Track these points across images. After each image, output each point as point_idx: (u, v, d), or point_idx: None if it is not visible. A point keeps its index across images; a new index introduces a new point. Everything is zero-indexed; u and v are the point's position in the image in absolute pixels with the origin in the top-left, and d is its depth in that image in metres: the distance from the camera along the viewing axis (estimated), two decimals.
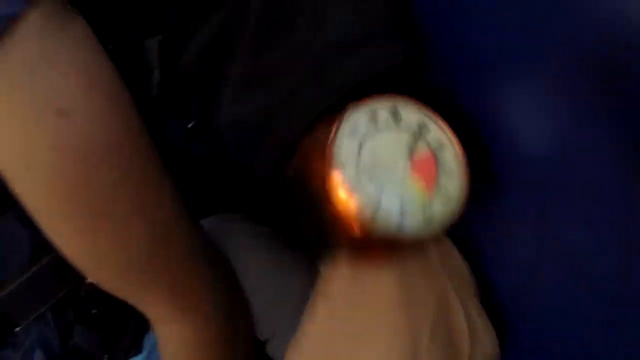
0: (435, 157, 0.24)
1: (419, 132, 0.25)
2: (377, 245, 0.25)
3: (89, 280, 0.42)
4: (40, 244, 0.38)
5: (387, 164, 0.24)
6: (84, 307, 0.42)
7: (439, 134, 0.25)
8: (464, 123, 0.28)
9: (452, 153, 0.25)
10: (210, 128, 0.33)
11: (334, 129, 0.24)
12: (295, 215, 0.30)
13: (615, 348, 0.25)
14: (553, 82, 0.24)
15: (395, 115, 0.24)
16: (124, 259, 0.32)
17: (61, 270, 0.40)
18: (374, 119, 0.24)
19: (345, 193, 0.23)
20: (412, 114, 0.25)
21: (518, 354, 0.31)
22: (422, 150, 0.24)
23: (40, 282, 0.39)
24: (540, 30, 0.24)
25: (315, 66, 0.26)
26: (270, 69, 0.28)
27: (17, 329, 0.40)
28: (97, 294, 0.41)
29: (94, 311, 0.42)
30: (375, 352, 0.24)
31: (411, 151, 0.24)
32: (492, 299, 0.31)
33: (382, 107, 0.24)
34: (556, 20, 0.23)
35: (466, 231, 0.30)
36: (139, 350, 0.45)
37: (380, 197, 0.23)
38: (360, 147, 0.24)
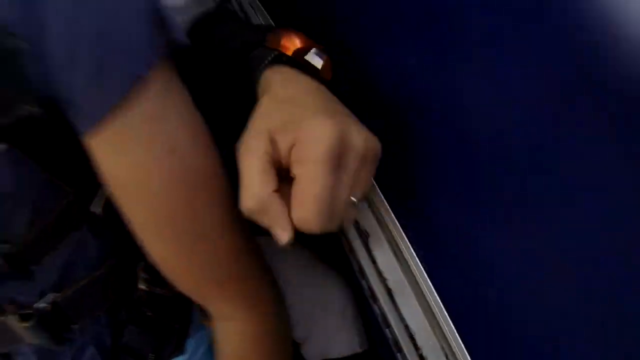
0: None
1: None
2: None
3: (141, 286, 0.45)
4: (105, 253, 0.43)
5: None
6: (136, 309, 0.45)
7: None
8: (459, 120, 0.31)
9: None
10: None
11: None
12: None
13: (614, 348, 0.26)
14: (551, 82, 0.25)
15: None
16: (210, 272, 0.37)
17: (118, 276, 0.44)
18: None
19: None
20: None
21: (518, 353, 0.31)
22: None
23: (99, 286, 0.43)
24: (538, 29, 0.25)
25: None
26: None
27: (75, 326, 0.43)
28: (150, 298, 0.45)
29: (149, 314, 0.45)
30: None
31: None
32: (491, 299, 0.32)
33: None
34: (554, 20, 0.24)
35: (466, 230, 0.32)
36: (181, 352, 0.48)
37: None
38: None
